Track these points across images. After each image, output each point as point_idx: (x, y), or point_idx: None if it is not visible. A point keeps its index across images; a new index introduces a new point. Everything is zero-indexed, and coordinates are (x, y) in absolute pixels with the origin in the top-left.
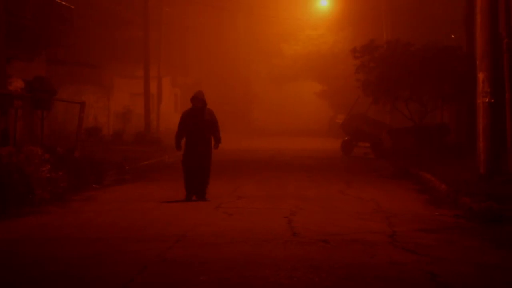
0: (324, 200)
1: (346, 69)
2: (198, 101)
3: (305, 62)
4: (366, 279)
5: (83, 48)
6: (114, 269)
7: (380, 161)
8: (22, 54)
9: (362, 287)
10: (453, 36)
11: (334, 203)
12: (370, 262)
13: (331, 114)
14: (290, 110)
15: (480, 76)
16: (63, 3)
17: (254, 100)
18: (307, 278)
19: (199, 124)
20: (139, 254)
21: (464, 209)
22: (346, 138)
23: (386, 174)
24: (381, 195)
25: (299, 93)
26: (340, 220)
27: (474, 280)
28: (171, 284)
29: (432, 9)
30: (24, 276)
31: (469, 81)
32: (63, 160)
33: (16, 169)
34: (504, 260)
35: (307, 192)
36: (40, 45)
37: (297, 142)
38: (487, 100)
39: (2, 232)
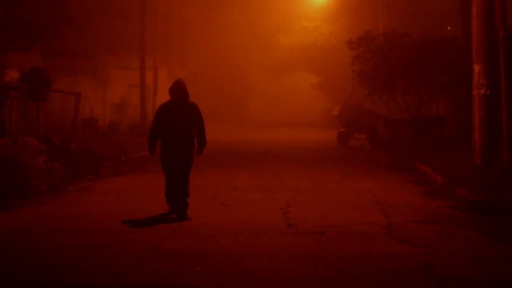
0: (320, 191)
1: (342, 61)
2: (179, 92)
3: (301, 53)
4: (362, 271)
5: (79, 40)
6: (110, 260)
7: (376, 153)
8: (18, 45)
9: (358, 278)
10: (449, 28)
11: (330, 194)
12: (367, 254)
13: (327, 106)
14: (286, 101)
15: (476, 67)
16: None
17: (250, 92)
18: (303, 269)
19: (179, 121)
20: (135, 245)
21: (460, 200)
22: (342, 129)
23: (382, 165)
24: (377, 186)
25: (296, 85)
26: (336, 211)
27: (471, 271)
28: (167, 276)
29: (429, 0)
30: (21, 267)
31: (465, 72)
32: (59, 151)
33: (12, 161)
34: (500, 252)
35: (303, 183)
36: (37, 37)
37: (293, 133)
38: (482, 92)
39: None
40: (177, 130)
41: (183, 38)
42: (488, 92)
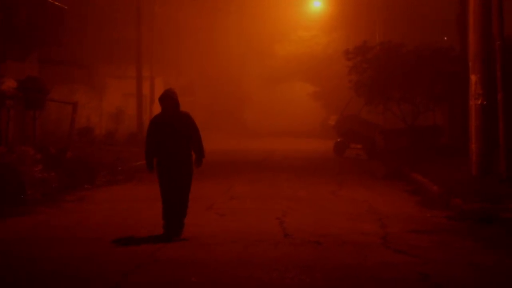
0: (316, 201)
1: (339, 70)
2: (169, 100)
3: (297, 63)
4: (358, 280)
5: (75, 48)
6: (106, 269)
7: (372, 162)
8: (14, 54)
9: None
10: (445, 38)
11: (326, 204)
12: (363, 264)
13: (323, 115)
14: (282, 111)
15: (473, 78)
16: (56, 3)
17: (246, 101)
18: (299, 279)
19: (173, 133)
20: (131, 254)
21: (456, 210)
22: (338, 139)
23: (378, 175)
24: (373, 196)
25: (292, 94)
26: (332, 221)
27: (466, 281)
28: (163, 285)
29: (425, 11)
30: (16, 276)
31: (461, 82)
32: (55, 160)
33: (8, 169)
34: (496, 261)
35: (299, 193)
36: (33, 45)
37: (289, 143)
38: (479, 102)
39: None
40: (172, 142)
41: (179, 47)
42: (484, 102)
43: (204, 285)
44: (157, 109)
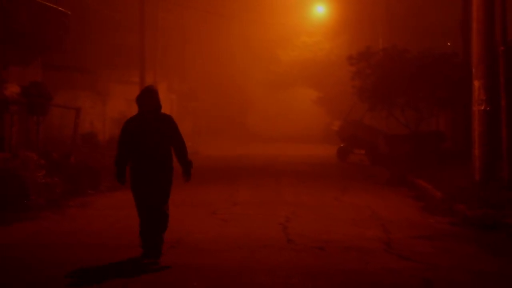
0: (319, 207)
1: (342, 76)
2: (149, 101)
3: (301, 69)
4: (361, 286)
5: (79, 54)
6: (108, 275)
7: (375, 168)
8: (18, 59)
9: None
10: (449, 43)
11: (329, 210)
12: (366, 269)
13: (327, 121)
14: (286, 116)
15: (476, 83)
16: (59, 8)
17: (250, 106)
18: (302, 284)
19: (151, 140)
20: (134, 259)
21: (459, 216)
22: (342, 144)
23: (381, 181)
24: (376, 202)
25: (295, 100)
26: (335, 227)
27: (470, 287)
28: None
29: (429, 17)
30: (19, 281)
31: (464, 88)
32: (58, 166)
33: (12, 175)
34: (499, 268)
35: (302, 198)
36: (36, 51)
37: (293, 148)
38: (482, 107)
39: None
40: (150, 150)
41: (182, 52)
42: (488, 108)
43: None
44: None
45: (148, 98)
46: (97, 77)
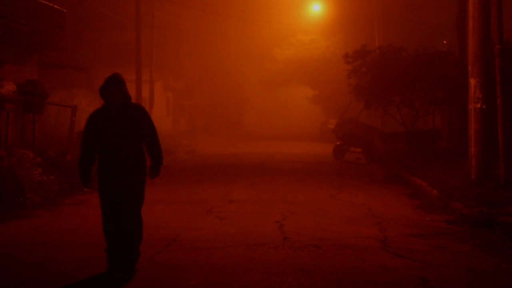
0: (315, 204)
1: (338, 74)
2: (114, 92)
3: (297, 67)
4: (357, 284)
5: (75, 52)
6: (105, 271)
7: (371, 166)
8: (14, 57)
9: None
10: (445, 41)
11: (325, 207)
12: (361, 267)
13: (323, 119)
14: (281, 114)
15: (472, 81)
16: (55, 6)
17: (245, 104)
18: (298, 282)
19: (119, 134)
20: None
21: (455, 214)
22: (338, 142)
23: (377, 179)
24: (372, 200)
25: (291, 98)
26: (331, 225)
27: (465, 285)
28: None
29: (425, 15)
30: (14, 279)
31: (460, 86)
32: (55, 164)
33: (8, 173)
34: (494, 266)
35: (298, 196)
36: (32, 49)
37: (289, 146)
38: (478, 106)
39: None
40: (119, 148)
41: (178, 51)
42: (484, 106)
43: None
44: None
45: (113, 88)
46: (93, 75)
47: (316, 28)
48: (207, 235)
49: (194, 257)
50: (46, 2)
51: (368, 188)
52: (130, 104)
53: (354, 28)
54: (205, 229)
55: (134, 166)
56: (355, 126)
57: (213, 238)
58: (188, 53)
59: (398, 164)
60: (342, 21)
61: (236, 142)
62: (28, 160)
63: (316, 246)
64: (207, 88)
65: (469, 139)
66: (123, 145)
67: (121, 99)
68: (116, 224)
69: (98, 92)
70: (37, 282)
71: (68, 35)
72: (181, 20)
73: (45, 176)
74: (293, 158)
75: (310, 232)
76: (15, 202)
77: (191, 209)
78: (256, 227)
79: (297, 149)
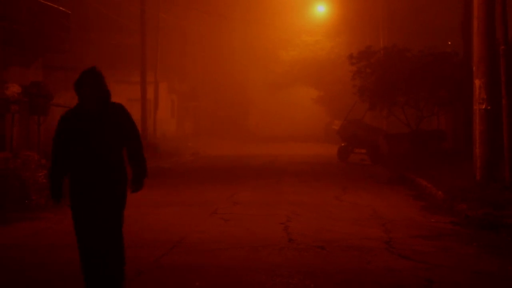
0: (320, 206)
1: (343, 75)
2: (92, 87)
3: (301, 68)
4: (362, 286)
5: (79, 54)
6: None
7: (376, 167)
8: (19, 60)
9: None
10: (449, 42)
11: (330, 209)
12: (367, 269)
13: (327, 120)
14: (286, 116)
15: (477, 82)
16: (60, 8)
17: (250, 106)
18: (303, 284)
19: (97, 139)
20: (134, 260)
21: (460, 216)
22: (342, 144)
23: (382, 180)
24: (377, 201)
25: (296, 99)
26: (336, 226)
27: (470, 287)
28: None
29: (429, 16)
30: (18, 282)
31: (465, 87)
32: None
33: (13, 175)
34: (499, 268)
35: (303, 198)
36: (37, 51)
37: (293, 148)
38: (483, 106)
39: None
40: (96, 155)
41: (183, 53)
42: (489, 107)
43: None
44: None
45: (91, 84)
46: None
47: (320, 29)
48: (212, 237)
49: (199, 259)
50: (51, 4)
51: (373, 189)
52: (110, 104)
53: (358, 29)
54: (210, 231)
55: (114, 177)
56: (360, 127)
57: (218, 240)
58: (193, 55)
59: (403, 165)
60: (346, 22)
61: (240, 144)
62: (33, 162)
63: (321, 247)
64: (212, 90)
65: (474, 140)
66: (101, 153)
67: (100, 97)
68: (95, 257)
69: (73, 88)
70: (42, 284)
71: (72, 37)
72: (185, 23)
73: None
74: (298, 159)
75: (315, 234)
76: (20, 204)
77: (196, 211)
78: (261, 228)
79: (301, 150)
